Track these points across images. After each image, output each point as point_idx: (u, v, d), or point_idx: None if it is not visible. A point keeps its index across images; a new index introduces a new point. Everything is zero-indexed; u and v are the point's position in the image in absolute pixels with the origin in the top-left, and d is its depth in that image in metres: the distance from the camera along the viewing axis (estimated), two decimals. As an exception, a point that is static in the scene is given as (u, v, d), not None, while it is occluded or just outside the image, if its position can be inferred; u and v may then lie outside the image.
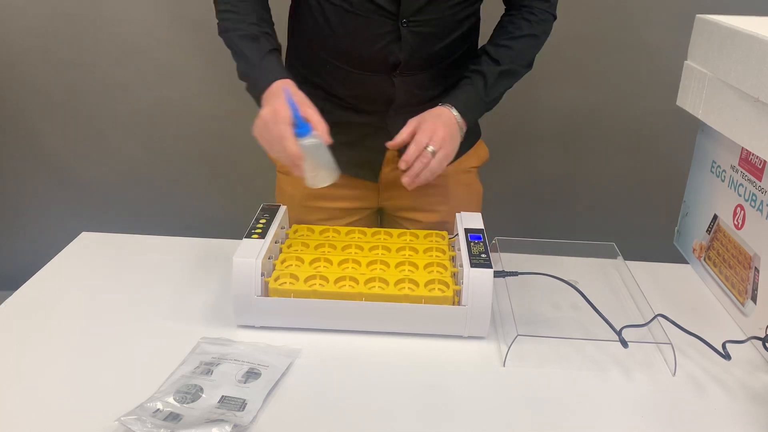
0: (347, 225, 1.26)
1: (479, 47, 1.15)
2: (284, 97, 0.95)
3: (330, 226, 1.16)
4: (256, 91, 1.02)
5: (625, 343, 0.90)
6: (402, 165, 1.03)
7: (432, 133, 1.03)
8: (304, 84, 1.18)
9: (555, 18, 1.15)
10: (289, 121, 0.94)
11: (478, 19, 1.17)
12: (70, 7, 1.78)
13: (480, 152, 1.29)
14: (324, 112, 1.18)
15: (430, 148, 1.02)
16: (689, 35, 1.13)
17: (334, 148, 1.19)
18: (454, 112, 1.07)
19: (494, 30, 1.16)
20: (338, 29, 1.07)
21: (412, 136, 1.03)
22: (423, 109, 1.12)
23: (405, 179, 1.04)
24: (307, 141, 0.92)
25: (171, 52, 1.83)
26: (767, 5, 1.65)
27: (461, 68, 1.15)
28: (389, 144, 1.05)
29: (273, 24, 1.10)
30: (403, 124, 1.11)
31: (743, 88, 0.95)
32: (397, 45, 1.07)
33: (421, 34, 1.07)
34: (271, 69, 1.02)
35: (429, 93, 1.16)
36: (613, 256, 1.17)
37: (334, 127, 1.19)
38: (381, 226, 1.35)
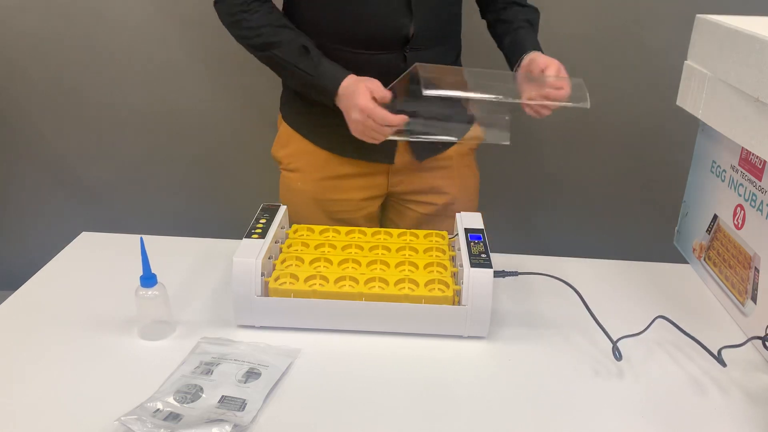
0: (361, 217, 1.25)
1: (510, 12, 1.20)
2: (361, 91, 1.02)
3: (344, 217, 1.17)
4: (327, 97, 1.05)
5: (618, 355, 0.91)
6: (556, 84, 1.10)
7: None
8: None
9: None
10: (377, 104, 1.02)
11: None
12: (69, 7, 1.78)
13: (477, 133, 1.29)
14: None
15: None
16: (689, 35, 1.13)
17: (348, 135, 1.17)
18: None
19: (498, 25, 1.21)
20: (347, 6, 1.07)
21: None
22: None
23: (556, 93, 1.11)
24: (150, 293, 0.93)
25: (171, 52, 1.82)
26: (767, 5, 1.65)
27: (458, 48, 1.21)
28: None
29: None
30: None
31: (743, 88, 0.95)
32: (408, 18, 1.08)
33: (430, 2, 1.08)
34: (330, 71, 1.05)
35: None
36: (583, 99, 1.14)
37: None
38: (387, 213, 1.35)
